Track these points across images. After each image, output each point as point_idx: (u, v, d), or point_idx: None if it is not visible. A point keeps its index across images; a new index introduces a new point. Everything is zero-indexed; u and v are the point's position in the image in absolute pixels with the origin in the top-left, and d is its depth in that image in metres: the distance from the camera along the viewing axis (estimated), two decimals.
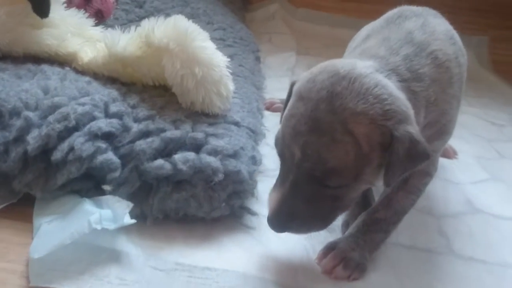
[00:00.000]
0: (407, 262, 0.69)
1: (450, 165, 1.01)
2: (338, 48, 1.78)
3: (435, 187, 0.91)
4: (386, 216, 0.68)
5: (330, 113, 0.54)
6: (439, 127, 0.71)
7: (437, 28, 0.72)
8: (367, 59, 0.63)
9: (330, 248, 0.64)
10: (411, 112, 0.58)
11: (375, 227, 0.67)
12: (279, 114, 1.11)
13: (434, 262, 0.70)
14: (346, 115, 0.54)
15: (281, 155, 0.59)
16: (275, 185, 0.59)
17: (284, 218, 0.57)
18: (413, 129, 0.56)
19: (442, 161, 1.00)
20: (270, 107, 1.15)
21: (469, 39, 1.99)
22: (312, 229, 0.60)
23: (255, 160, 0.75)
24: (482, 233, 0.79)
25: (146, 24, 0.77)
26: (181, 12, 1.24)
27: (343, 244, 0.64)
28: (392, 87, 0.58)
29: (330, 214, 0.59)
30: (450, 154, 1.04)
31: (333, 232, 0.72)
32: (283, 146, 0.58)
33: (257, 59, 1.29)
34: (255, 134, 0.83)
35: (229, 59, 0.80)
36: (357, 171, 0.55)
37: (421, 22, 0.72)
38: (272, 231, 0.59)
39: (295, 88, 0.60)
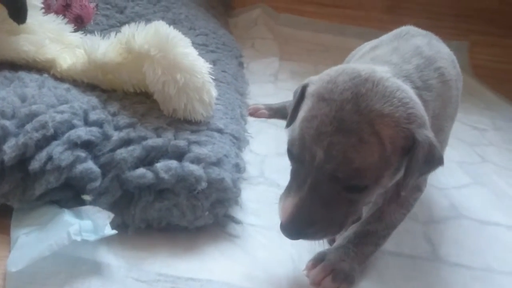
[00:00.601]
0: (394, 269, 0.69)
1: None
2: (321, 53, 1.81)
3: None
4: (377, 229, 0.67)
5: (356, 113, 0.53)
6: None
7: (441, 49, 0.76)
8: (380, 65, 0.64)
9: (319, 259, 0.63)
10: (427, 117, 0.59)
11: (366, 239, 0.66)
12: (263, 120, 1.11)
13: (420, 269, 0.70)
14: (372, 116, 0.53)
15: (299, 157, 0.57)
16: (289, 190, 0.57)
17: (302, 224, 0.55)
18: (431, 134, 0.57)
19: None
20: (255, 113, 1.14)
21: (449, 43, 2.01)
22: (327, 235, 0.59)
23: (239, 168, 0.74)
24: (467, 238, 0.80)
25: (127, 30, 0.76)
26: (163, 18, 1.23)
27: (332, 255, 0.63)
28: (411, 92, 0.59)
29: (345, 219, 0.58)
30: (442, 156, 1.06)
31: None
32: (302, 148, 0.56)
33: (240, 64, 1.28)
34: (239, 141, 0.82)
35: (211, 65, 0.79)
36: (378, 173, 0.55)
37: (427, 40, 0.75)
38: (281, 237, 0.58)
39: (311, 90, 0.59)
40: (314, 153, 0.54)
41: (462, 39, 2.05)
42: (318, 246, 0.69)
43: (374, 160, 0.54)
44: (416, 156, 0.55)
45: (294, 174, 0.58)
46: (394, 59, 0.67)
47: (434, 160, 0.57)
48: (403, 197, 0.70)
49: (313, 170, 0.55)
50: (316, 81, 0.60)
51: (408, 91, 0.58)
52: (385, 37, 0.82)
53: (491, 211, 0.90)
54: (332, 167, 0.53)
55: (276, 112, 1.15)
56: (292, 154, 0.58)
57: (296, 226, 0.55)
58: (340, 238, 0.67)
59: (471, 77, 1.87)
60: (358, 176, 0.54)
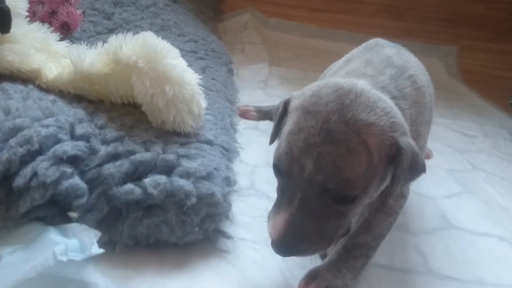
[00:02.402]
0: (385, 283, 0.68)
1: (424, 178, 1.01)
2: (310, 58, 1.81)
3: (410, 202, 0.91)
4: (366, 240, 0.66)
5: (343, 124, 0.54)
6: None
7: (410, 58, 0.78)
8: (357, 78, 0.65)
9: (311, 277, 0.62)
10: (407, 126, 0.60)
11: (356, 252, 0.65)
12: (253, 128, 1.10)
13: (412, 282, 0.69)
14: (359, 125, 0.54)
15: (287, 171, 0.56)
16: (278, 206, 0.57)
17: (293, 241, 0.54)
18: (413, 142, 0.58)
19: None
20: (244, 115, 1.14)
21: (438, 48, 2.03)
22: (318, 250, 0.58)
23: (229, 181, 0.73)
24: (458, 250, 0.79)
25: (114, 40, 0.74)
26: (151, 24, 1.22)
27: (325, 272, 0.62)
28: (391, 102, 0.60)
29: (334, 233, 0.58)
30: (428, 154, 1.07)
31: None
32: (290, 161, 0.55)
33: (230, 71, 1.27)
34: (229, 153, 0.81)
35: (201, 73, 0.78)
36: (366, 182, 0.55)
37: (396, 50, 0.78)
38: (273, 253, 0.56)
39: (294, 105, 0.60)
40: (303, 165, 0.54)
41: (450, 44, 2.06)
42: (310, 261, 0.69)
43: (362, 169, 0.54)
44: (402, 163, 0.55)
45: (282, 189, 0.58)
46: (369, 72, 0.69)
47: (417, 167, 0.58)
48: (388, 206, 0.71)
49: (303, 183, 0.54)
50: (299, 95, 0.61)
51: (388, 101, 0.59)
52: (355, 50, 0.84)
53: (482, 221, 0.89)
54: (322, 178, 0.53)
55: (265, 115, 1.15)
56: (279, 169, 0.58)
57: (288, 243, 0.55)
58: (330, 254, 0.67)
59: (459, 82, 1.88)
60: (348, 187, 0.54)
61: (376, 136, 0.55)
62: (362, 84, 0.60)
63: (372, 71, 0.69)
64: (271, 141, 0.68)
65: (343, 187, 0.54)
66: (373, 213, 0.69)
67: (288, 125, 0.58)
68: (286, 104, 0.62)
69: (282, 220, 0.55)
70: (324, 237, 0.56)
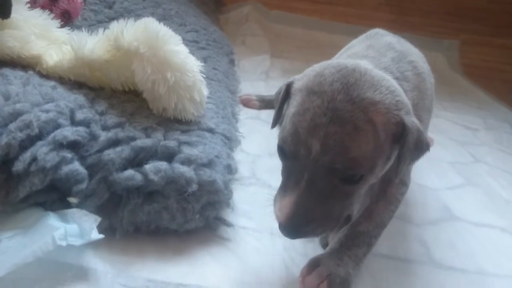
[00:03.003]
0: (387, 273, 0.68)
1: (427, 170, 1.01)
2: (311, 50, 1.80)
3: (413, 193, 0.91)
4: (368, 228, 0.66)
5: (349, 102, 0.53)
6: None
7: (410, 47, 0.80)
8: (359, 60, 0.64)
9: (313, 265, 0.61)
10: (410, 105, 0.60)
11: (358, 240, 0.64)
12: (255, 118, 1.09)
13: (414, 272, 0.69)
14: (365, 104, 0.54)
15: (293, 153, 0.55)
16: (284, 189, 0.56)
17: (301, 222, 0.54)
18: (416, 120, 0.58)
19: (419, 165, 1.00)
20: (246, 104, 1.13)
21: (440, 42, 2.01)
22: (324, 231, 0.57)
23: (230, 169, 0.72)
24: (461, 241, 0.79)
25: (115, 26, 0.73)
26: (152, 13, 1.21)
27: (327, 260, 0.61)
28: (394, 82, 0.60)
29: (340, 213, 0.57)
30: (429, 143, 1.07)
31: (312, 242, 0.70)
32: (296, 142, 0.55)
33: (231, 61, 1.26)
34: (230, 141, 0.80)
35: (202, 63, 0.77)
36: (373, 161, 0.55)
37: (396, 39, 0.79)
38: (286, 236, 0.56)
39: (297, 86, 0.59)
40: (310, 146, 0.53)
41: (452, 38, 2.05)
42: (312, 249, 0.68)
43: (369, 148, 0.54)
44: (407, 142, 0.55)
45: (288, 172, 0.57)
46: (371, 54, 0.69)
47: (422, 145, 0.58)
48: (389, 193, 0.71)
49: (309, 164, 0.54)
50: (301, 77, 0.60)
51: (392, 81, 0.59)
52: (355, 40, 0.86)
53: (484, 213, 0.89)
54: (330, 158, 0.53)
55: (267, 104, 1.15)
56: (284, 151, 0.57)
57: (296, 224, 0.54)
58: (332, 242, 0.66)
59: (461, 76, 1.87)
60: (355, 166, 0.54)
61: (382, 115, 0.54)
62: (365, 63, 0.60)
63: (374, 53, 0.69)
64: (273, 125, 0.67)
65: (351, 167, 0.54)
66: (375, 201, 0.69)
67: (292, 107, 0.57)
68: (288, 87, 0.62)
69: (289, 202, 0.54)
70: (331, 218, 0.56)
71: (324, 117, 0.53)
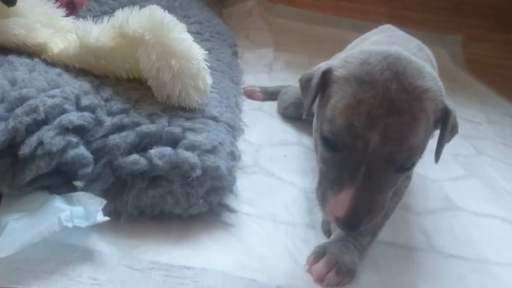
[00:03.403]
0: (389, 259, 0.68)
1: (429, 161, 1.01)
2: (315, 44, 1.80)
3: (414, 183, 0.91)
4: None
5: (403, 92, 0.54)
6: None
7: (421, 43, 0.80)
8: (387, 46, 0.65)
9: (320, 253, 0.62)
10: None
11: (363, 230, 0.64)
12: (258, 109, 1.10)
13: (415, 259, 0.70)
14: (418, 92, 0.54)
15: (348, 147, 0.55)
16: (338, 183, 0.55)
17: (362, 215, 0.54)
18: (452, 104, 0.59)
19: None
20: (250, 95, 1.14)
21: (443, 37, 2.01)
22: (376, 218, 0.57)
23: (234, 156, 0.73)
24: (462, 230, 0.79)
25: (120, 14, 0.74)
26: (156, 5, 1.21)
27: (334, 249, 0.62)
28: (430, 68, 0.61)
29: (387, 201, 0.58)
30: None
31: (314, 229, 0.71)
32: (352, 136, 0.54)
33: (235, 53, 1.27)
34: (234, 130, 0.81)
35: (207, 52, 0.78)
36: (423, 147, 0.57)
37: (407, 34, 0.80)
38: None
39: (340, 74, 0.58)
40: (368, 139, 0.53)
41: (455, 33, 2.05)
42: (313, 234, 0.69)
43: (422, 135, 0.54)
44: (448, 126, 0.58)
45: (339, 165, 0.56)
46: (396, 41, 0.70)
47: (455, 128, 0.61)
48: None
49: (367, 156, 0.53)
50: (342, 65, 0.59)
51: (429, 67, 0.60)
52: (368, 33, 0.86)
53: (486, 204, 0.89)
54: (389, 149, 0.53)
55: (271, 96, 1.16)
56: (333, 144, 0.56)
57: (358, 218, 0.54)
58: (336, 231, 0.67)
59: (464, 71, 1.87)
60: (412, 154, 0.55)
61: (431, 101, 0.55)
62: (402, 50, 0.60)
63: (399, 41, 0.70)
64: (306, 114, 0.66)
65: (408, 156, 0.54)
66: None
67: (341, 97, 0.56)
68: (324, 74, 0.60)
69: (348, 196, 0.54)
70: (382, 207, 0.57)
71: (382, 108, 0.53)
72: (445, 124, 0.58)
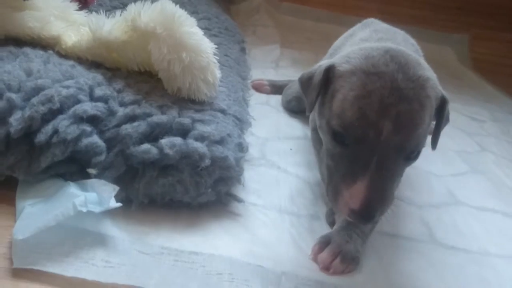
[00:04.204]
0: (391, 250, 0.70)
1: (433, 157, 1.03)
2: (321, 42, 1.80)
3: (418, 179, 0.93)
4: None
5: (409, 81, 0.56)
6: None
7: (405, 34, 0.83)
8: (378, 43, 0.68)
9: (324, 242, 0.64)
10: None
11: None
12: (265, 103, 1.11)
13: (417, 250, 0.71)
14: (422, 81, 0.58)
15: (361, 137, 0.56)
16: (351, 175, 0.56)
17: (376, 206, 0.55)
18: None
19: (426, 153, 1.02)
20: (258, 88, 1.16)
21: (450, 36, 2.02)
22: (387, 209, 0.58)
23: (241, 147, 0.75)
24: (463, 223, 0.81)
25: (132, 8, 0.76)
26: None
27: (337, 238, 0.64)
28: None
29: (395, 189, 0.60)
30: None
31: (318, 219, 0.73)
32: (365, 126, 0.55)
33: (243, 50, 1.29)
34: (241, 122, 0.82)
35: (216, 47, 0.80)
36: (426, 135, 0.59)
37: (391, 27, 0.83)
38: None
39: (346, 69, 0.60)
40: (381, 127, 0.54)
41: (462, 33, 2.06)
42: (318, 224, 0.71)
43: (427, 123, 0.58)
44: (444, 114, 0.62)
45: (350, 158, 0.57)
46: (384, 37, 0.73)
47: (448, 117, 0.64)
48: None
49: (379, 145, 0.55)
50: (346, 60, 0.61)
51: (422, 60, 0.64)
52: (353, 28, 0.89)
53: (488, 199, 0.91)
54: (401, 137, 0.55)
55: (278, 89, 1.18)
56: (345, 138, 0.57)
57: (373, 208, 0.55)
58: (339, 220, 0.68)
59: (471, 70, 1.88)
60: (419, 142, 0.57)
61: (433, 90, 0.59)
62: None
63: (386, 36, 0.72)
64: (309, 110, 0.66)
65: (416, 143, 0.57)
66: None
67: (349, 90, 0.57)
68: (327, 71, 0.62)
69: (362, 187, 0.54)
70: (392, 197, 0.58)
71: (392, 97, 0.55)
72: (442, 112, 0.62)
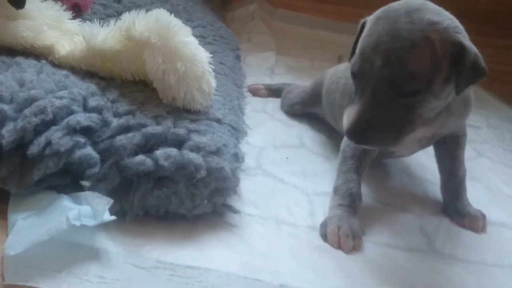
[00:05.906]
0: (389, 261, 0.69)
1: (428, 164, 1.02)
2: (317, 48, 1.81)
3: (415, 187, 0.93)
4: (464, 172, 0.87)
5: (409, 23, 0.61)
6: None
7: None
8: None
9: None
10: None
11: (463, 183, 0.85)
12: (261, 111, 1.11)
13: (416, 261, 0.70)
14: (424, 24, 0.61)
15: (360, 70, 0.64)
16: (352, 102, 0.66)
17: (364, 127, 0.63)
18: (474, 47, 0.64)
19: (421, 161, 1.02)
20: (255, 93, 1.17)
21: None
22: (386, 140, 0.65)
23: (237, 157, 0.74)
24: (461, 232, 0.80)
25: (127, 17, 0.75)
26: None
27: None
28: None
29: (402, 127, 0.64)
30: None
31: (315, 230, 0.72)
32: (362, 60, 0.64)
33: (237, 57, 1.28)
34: (237, 132, 0.82)
35: (211, 56, 0.79)
36: (430, 77, 0.62)
37: None
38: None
39: (369, 19, 0.68)
40: (373, 61, 0.62)
41: None
42: (316, 237, 0.70)
43: (426, 63, 0.61)
44: (465, 62, 0.62)
45: (356, 89, 0.66)
46: None
47: (479, 69, 0.63)
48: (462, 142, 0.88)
49: (373, 77, 0.62)
50: (374, 13, 0.68)
51: (448, 13, 0.66)
52: None
53: (485, 207, 0.89)
54: (390, 71, 0.61)
55: (275, 92, 1.22)
56: (353, 72, 0.66)
57: (360, 129, 0.63)
58: (328, 211, 0.75)
59: None
60: (412, 79, 0.61)
61: (439, 33, 0.61)
62: None
63: None
64: (350, 58, 0.72)
65: (408, 80, 0.61)
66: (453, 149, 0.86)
67: (363, 36, 0.66)
68: (362, 25, 0.70)
69: (355, 111, 0.64)
70: (391, 129, 0.64)
71: (386, 36, 0.61)
72: (461, 60, 0.62)
